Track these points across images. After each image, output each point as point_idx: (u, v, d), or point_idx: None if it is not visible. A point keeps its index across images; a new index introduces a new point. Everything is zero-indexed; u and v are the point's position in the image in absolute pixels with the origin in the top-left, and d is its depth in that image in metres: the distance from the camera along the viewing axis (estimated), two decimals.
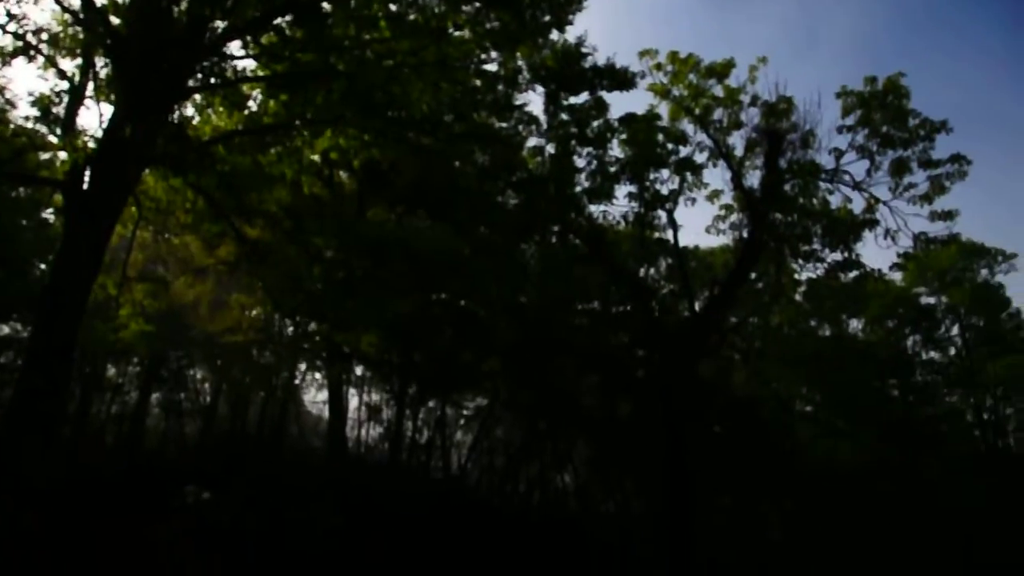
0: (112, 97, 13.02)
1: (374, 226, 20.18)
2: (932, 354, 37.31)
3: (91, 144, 12.11)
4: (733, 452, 28.56)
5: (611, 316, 22.57)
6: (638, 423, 26.92)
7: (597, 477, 30.66)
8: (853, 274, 21.28)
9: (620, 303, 23.08)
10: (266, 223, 17.08)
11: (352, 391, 30.91)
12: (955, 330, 37.26)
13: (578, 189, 20.64)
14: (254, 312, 27.47)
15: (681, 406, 19.06)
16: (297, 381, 32.64)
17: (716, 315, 20.05)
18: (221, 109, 14.76)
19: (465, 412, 32.59)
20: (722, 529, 30.73)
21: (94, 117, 33.29)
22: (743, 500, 31.13)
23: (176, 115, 13.46)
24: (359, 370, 30.04)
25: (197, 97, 14.29)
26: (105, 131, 11.88)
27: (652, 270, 27.92)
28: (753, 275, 21.90)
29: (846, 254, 20.24)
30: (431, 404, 30.57)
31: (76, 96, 14.06)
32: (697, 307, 20.84)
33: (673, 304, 21.96)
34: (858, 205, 20.31)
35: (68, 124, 12.85)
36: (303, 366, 31.71)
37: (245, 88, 14.45)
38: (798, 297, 22.97)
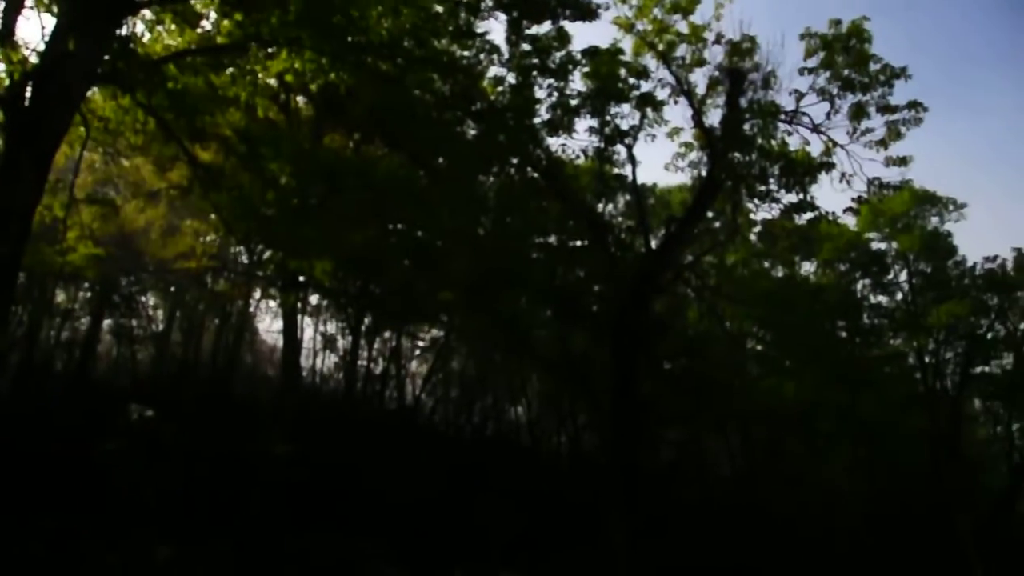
0: (54, 7, 12.48)
1: (330, 153, 19.89)
2: (880, 298, 38.16)
3: (32, 58, 11.64)
4: (683, 388, 29.10)
5: (568, 250, 22.61)
6: (591, 357, 27.26)
7: (550, 410, 31.11)
8: (808, 216, 21.50)
9: (577, 237, 23.12)
10: (219, 147, 16.72)
11: (307, 321, 30.82)
12: (903, 275, 38.06)
13: (538, 121, 20.47)
14: (207, 238, 27.10)
15: (633, 341, 19.26)
16: (252, 309, 32.41)
17: (672, 252, 20.16)
18: (173, 27, 14.29)
19: (420, 343, 32.70)
20: (671, 463, 31.51)
21: (35, 29, 32.10)
22: (692, 435, 31.85)
23: (124, 30, 12.98)
24: (314, 299, 29.91)
25: (147, 12, 13.79)
26: (47, 44, 11.44)
27: (610, 206, 28.02)
28: (710, 214, 22.03)
29: (802, 196, 20.39)
30: (387, 335, 30.61)
31: (14, 5, 13.44)
32: (653, 244, 20.93)
33: (629, 240, 22.05)
34: (816, 148, 20.36)
35: (6, 35, 12.30)
36: (258, 294, 31.47)
37: (198, 5, 14.00)
38: (753, 237, 23.22)
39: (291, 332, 26.16)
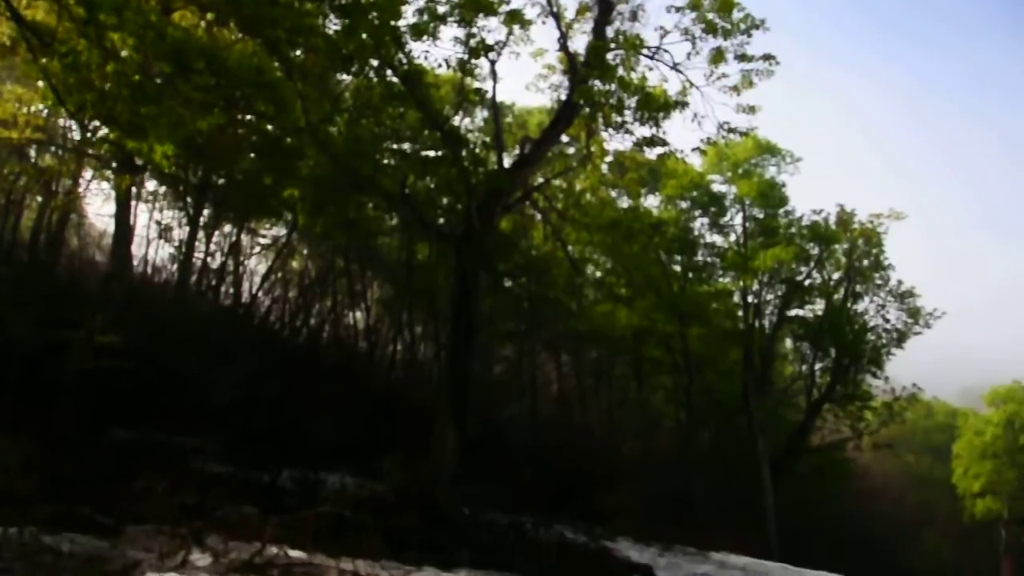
0: None
1: (180, 30, 18.68)
2: (715, 238, 40.16)
3: None
4: (521, 306, 29.79)
5: (420, 159, 22.40)
6: (434, 269, 27.42)
7: (388, 318, 31.14)
8: (658, 151, 22.15)
9: (431, 148, 22.93)
10: (51, 6, 15.36)
11: (142, 207, 29.22)
12: (738, 219, 40.08)
13: (403, 24, 19.93)
14: (34, 107, 25.05)
15: (477, 256, 19.48)
16: (81, 190, 30.41)
17: (523, 172, 20.31)
18: None
19: (261, 240, 31.79)
20: (502, 378, 32.36)
21: None
22: (526, 352, 32.73)
23: None
24: (151, 185, 28.39)
25: None
26: None
27: (467, 120, 27.88)
28: (564, 138, 22.29)
29: (654, 131, 20.95)
30: (226, 229, 29.58)
31: None
32: (506, 162, 21.03)
33: (483, 156, 22.04)
34: (673, 87, 20.87)
35: None
36: (88, 174, 29.50)
37: None
38: (604, 167, 23.68)
39: (123, 217, 24.85)
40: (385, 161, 22.65)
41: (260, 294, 30.24)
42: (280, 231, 30.37)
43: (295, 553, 9.42)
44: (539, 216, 24.69)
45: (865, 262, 39.14)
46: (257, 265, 32.14)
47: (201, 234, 27.88)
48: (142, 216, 29.10)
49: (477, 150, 22.38)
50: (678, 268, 38.58)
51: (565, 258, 27.91)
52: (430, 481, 17.09)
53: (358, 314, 31.54)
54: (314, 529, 10.45)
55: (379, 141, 22.15)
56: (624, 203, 32.34)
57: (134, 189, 26.04)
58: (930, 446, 58.59)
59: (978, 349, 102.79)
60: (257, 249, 31.99)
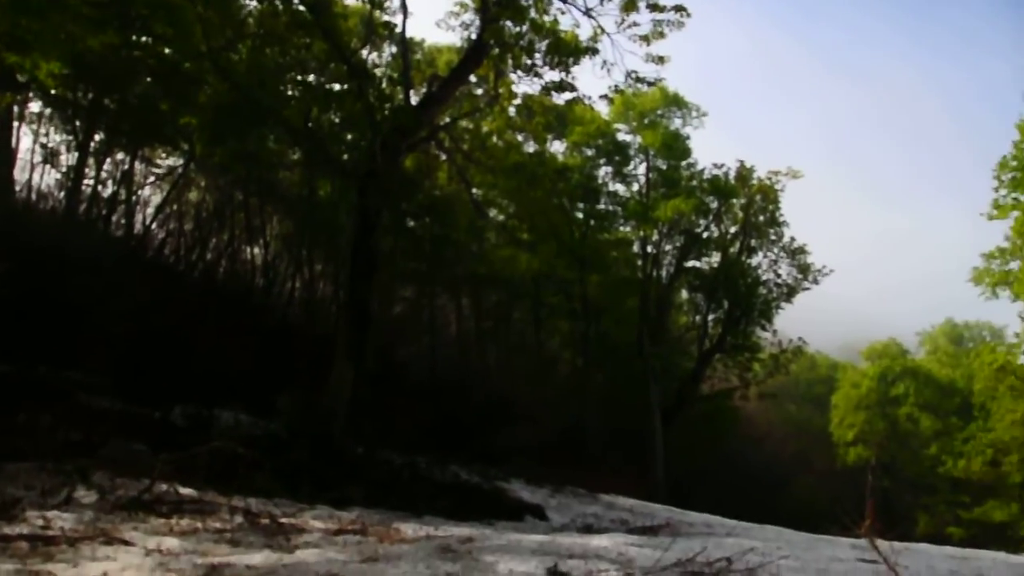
0: None
1: None
2: (618, 186, 40.55)
3: None
4: (423, 247, 29.59)
5: (325, 93, 21.78)
6: (335, 205, 26.89)
7: (288, 254, 30.49)
8: (566, 97, 22.12)
9: (337, 81, 22.30)
10: None
11: (25, 129, 27.50)
12: (642, 169, 40.57)
13: None
14: None
15: (380, 194, 19.16)
16: None
17: (430, 111, 19.96)
18: None
19: (156, 169, 30.45)
20: (401, 319, 32.21)
21: None
22: (426, 293, 32.62)
23: None
24: (36, 106, 26.75)
25: None
26: None
27: (375, 54, 27.18)
28: (473, 79, 21.97)
29: (563, 76, 20.90)
30: (119, 156, 28.19)
31: None
32: (413, 100, 20.64)
33: (390, 92, 21.57)
34: (584, 32, 20.78)
35: None
36: None
37: None
38: (511, 110, 23.51)
39: (5, 140, 23.61)
40: (289, 93, 21.94)
41: (154, 226, 29.08)
42: (176, 160, 29.14)
43: (185, 490, 9.24)
44: (444, 156, 24.40)
45: (761, 218, 40.23)
46: (151, 195, 30.81)
47: (91, 161, 26.51)
48: (25, 139, 27.41)
49: (384, 86, 21.92)
50: (580, 215, 38.90)
51: (469, 200, 27.77)
52: (325, 419, 16.95)
53: (256, 250, 30.69)
54: (206, 466, 10.26)
55: (283, 72, 21.45)
56: (530, 148, 32.30)
57: (16, 109, 24.63)
58: (811, 397, 61.39)
59: (859, 306, 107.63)
60: (151, 179, 30.66)
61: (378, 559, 6.97)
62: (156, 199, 30.21)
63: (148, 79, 22.43)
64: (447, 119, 22.53)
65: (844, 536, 10.37)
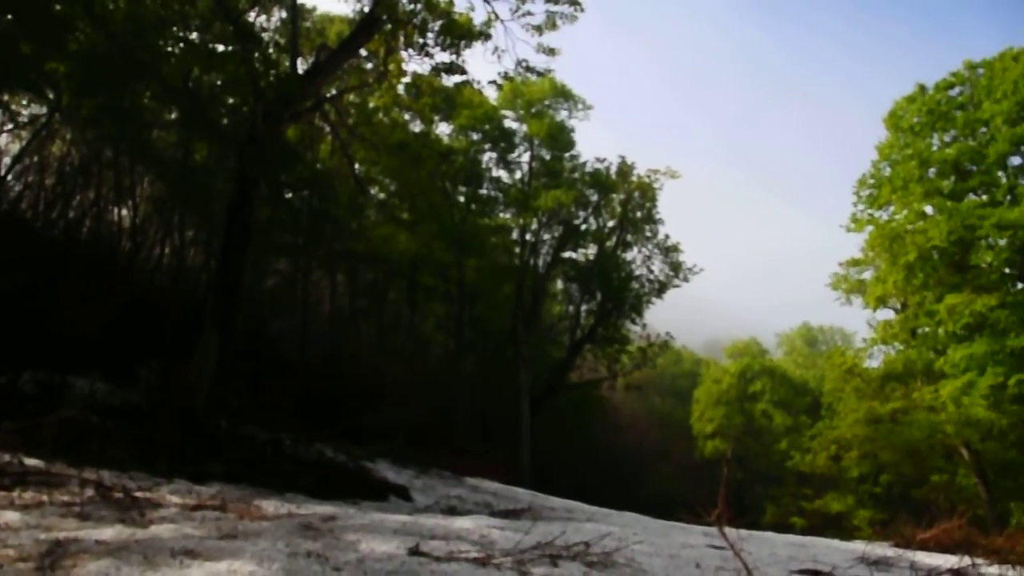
0: None
1: None
2: (501, 173, 40.81)
3: None
4: (301, 220, 28.95)
5: (208, 53, 20.89)
6: (212, 171, 25.96)
7: (158, 218, 29.24)
8: (455, 80, 22.05)
9: (221, 42, 21.45)
10: None
11: None
12: (526, 157, 40.94)
13: None
14: None
15: (259, 162, 18.60)
16: None
17: (316, 82, 19.48)
18: None
19: (17, 118, 28.56)
20: (274, 292, 31.46)
21: None
22: (301, 268, 31.97)
23: None
24: None
25: None
26: None
27: (263, 17, 26.33)
28: (363, 52, 21.58)
29: (454, 58, 20.82)
30: None
31: None
32: (300, 69, 20.13)
33: (276, 58, 20.95)
34: (478, 16, 20.81)
35: None
36: None
37: None
38: (400, 87, 23.24)
39: None
40: (168, 49, 20.96)
41: (10, 177, 27.29)
42: (39, 109, 27.41)
43: (31, 461, 8.78)
44: (328, 129, 23.93)
45: (639, 214, 41.30)
46: (8, 144, 28.89)
47: None
48: None
49: (270, 51, 21.28)
50: (462, 199, 38.94)
51: (350, 176, 27.33)
52: (188, 391, 16.40)
53: (124, 211, 29.23)
54: (55, 436, 9.76)
55: (163, 26, 20.44)
56: (416, 127, 32.05)
57: None
58: (675, 390, 63.52)
59: (726, 306, 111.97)
60: (10, 127, 28.75)
61: (237, 536, 6.82)
62: (14, 149, 28.37)
63: (9, 16, 20.95)
64: (333, 91, 22.09)
65: (697, 524, 10.81)
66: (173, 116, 26.35)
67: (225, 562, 5.64)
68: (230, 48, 20.31)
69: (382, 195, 35.57)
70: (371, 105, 25.26)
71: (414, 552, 6.75)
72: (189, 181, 25.83)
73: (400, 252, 33.17)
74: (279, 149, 22.40)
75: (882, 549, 11.78)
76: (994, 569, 8.37)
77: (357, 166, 28.54)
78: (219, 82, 23.29)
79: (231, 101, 24.42)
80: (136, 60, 18.87)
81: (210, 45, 21.30)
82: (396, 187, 34.46)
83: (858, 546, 13.64)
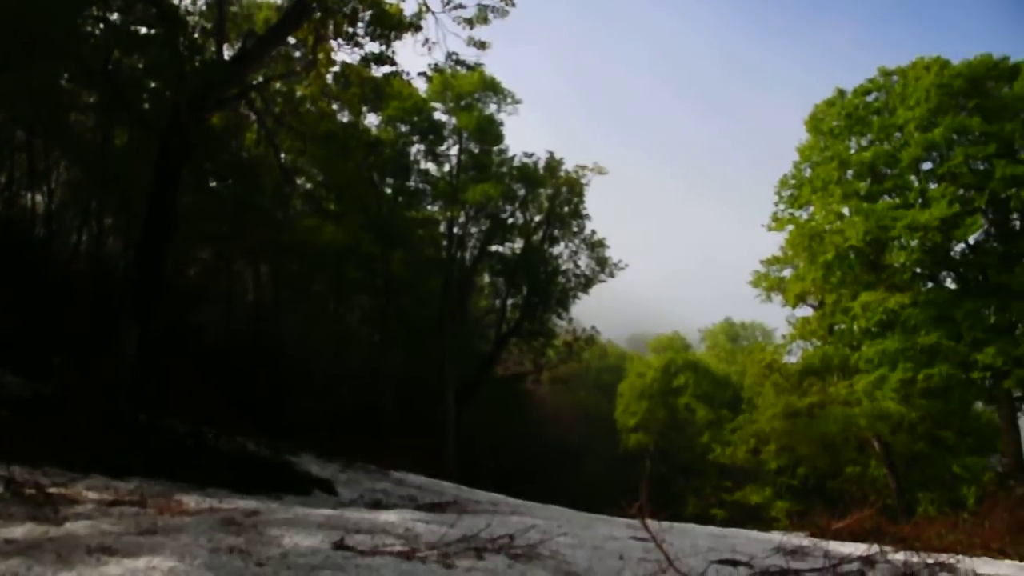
0: None
1: None
2: (429, 165, 40.62)
3: None
4: (225, 209, 28.37)
5: (130, 35, 20.30)
6: (132, 157, 25.21)
7: (75, 205, 28.29)
8: (385, 70, 21.94)
9: (145, 24, 20.86)
10: None
11: None
12: (454, 150, 40.83)
13: None
14: None
15: (182, 150, 18.18)
16: None
17: (243, 68, 19.13)
18: None
19: None
20: (196, 282, 30.78)
21: None
22: (224, 258, 31.34)
23: None
24: None
25: None
26: None
27: (188, 0, 25.68)
28: (292, 40, 21.26)
29: (384, 49, 20.69)
30: None
31: None
32: (226, 55, 19.74)
33: (201, 43, 20.50)
34: (409, 8, 20.64)
35: None
36: None
37: None
38: (329, 77, 22.93)
39: None
40: (88, 29, 20.29)
41: None
42: None
43: None
44: (254, 117, 23.50)
45: (566, 209, 41.62)
46: None
47: None
48: None
49: (195, 36, 20.80)
50: (389, 191, 38.65)
51: (276, 165, 26.92)
52: (106, 383, 15.97)
53: (39, 197, 28.16)
54: None
55: (82, 4, 19.77)
56: (344, 118, 31.71)
57: None
58: (600, 384, 64.07)
59: (651, 301, 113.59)
60: None
61: (156, 531, 6.69)
62: None
63: None
64: (260, 79, 21.70)
65: (621, 516, 10.99)
66: (92, 99, 25.54)
67: (144, 559, 5.53)
68: (153, 31, 19.79)
69: (309, 185, 35.08)
70: (299, 94, 24.94)
71: (339, 546, 6.71)
72: (108, 166, 25.06)
73: (326, 243, 32.74)
74: (203, 136, 21.91)
75: (798, 539, 12.11)
76: (900, 556, 8.69)
77: (283, 156, 28.14)
78: (141, 66, 22.63)
79: (154, 86, 23.78)
80: (50, 39, 18.21)
81: (132, 27, 20.72)
82: (323, 178, 34.06)
83: (775, 536, 14.02)
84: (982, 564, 11.16)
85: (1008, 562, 13.39)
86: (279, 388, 26.94)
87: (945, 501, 33.02)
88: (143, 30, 20.60)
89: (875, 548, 8.90)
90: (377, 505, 13.74)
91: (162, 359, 19.70)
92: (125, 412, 15.49)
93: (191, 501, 9.27)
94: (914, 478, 37.81)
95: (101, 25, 20.19)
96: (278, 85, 23.79)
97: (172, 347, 22.08)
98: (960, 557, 9.50)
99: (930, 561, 8.40)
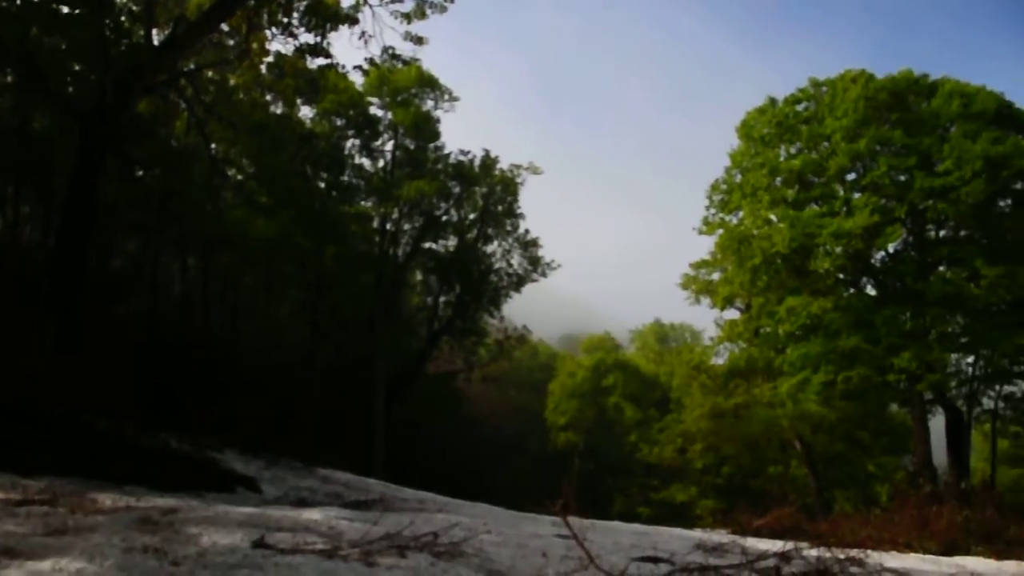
0: None
1: None
2: (364, 160, 40.25)
3: None
4: (152, 199, 27.71)
5: (50, 13, 19.53)
6: (53, 142, 24.42)
7: None
8: (320, 62, 21.61)
9: (66, 3, 20.12)
10: None
11: None
12: (390, 145, 40.54)
13: None
14: None
15: (106, 137, 17.64)
16: None
17: (173, 54, 18.61)
18: None
19: None
20: (120, 273, 30.01)
21: None
22: (150, 249, 30.60)
23: None
24: None
25: None
26: None
27: None
28: (225, 28, 20.80)
29: (320, 40, 20.39)
30: None
31: None
32: (156, 39, 19.21)
33: (129, 26, 19.92)
34: (346, 0, 20.35)
35: None
36: None
37: None
38: (263, 67, 22.50)
39: None
40: (3, 4, 19.51)
41: None
42: None
43: None
44: (184, 105, 22.92)
45: (500, 208, 41.71)
46: None
47: None
48: None
49: (123, 19, 20.21)
50: (323, 185, 38.16)
51: (206, 155, 26.34)
52: (20, 376, 15.41)
53: None
54: None
55: None
56: (278, 109, 31.19)
57: None
58: (531, 383, 64.40)
59: (582, 301, 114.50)
60: None
61: (66, 531, 6.47)
62: None
63: None
64: (191, 66, 21.18)
65: (548, 514, 11.04)
66: (9, 80, 24.61)
67: (50, 560, 5.33)
68: (76, 11, 19.12)
69: (240, 177, 34.37)
70: (231, 83, 24.38)
71: (258, 544, 6.58)
72: (26, 152, 24.22)
73: (257, 236, 32.14)
74: (129, 123, 21.29)
75: (719, 536, 12.36)
76: (814, 552, 8.91)
77: (214, 146, 27.56)
78: (63, 47, 21.86)
79: (77, 68, 23.01)
80: None
81: (53, 5, 19.97)
82: (255, 169, 33.41)
83: (697, 534, 14.28)
84: (890, 558, 11.54)
85: (914, 555, 13.99)
86: (205, 383, 26.36)
87: (860, 499, 34.12)
88: (65, 9, 19.85)
89: (790, 545, 9.12)
90: (302, 503, 13.56)
91: (82, 352, 19.12)
92: (39, 406, 14.97)
93: (106, 500, 8.99)
94: (832, 477, 38.97)
95: (18, 2, 19.38)
96: (210, 73, 23.22)
97: (93, 339, 21.43)
98: (869, 552, 9.80)
99: (841, 556, 8.62)
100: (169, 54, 18.43)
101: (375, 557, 6.67)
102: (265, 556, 6.21)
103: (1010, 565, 13.22)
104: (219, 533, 6.97)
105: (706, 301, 38.93)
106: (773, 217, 30.86)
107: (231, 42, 22.06)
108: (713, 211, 34.04)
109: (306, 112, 37.19)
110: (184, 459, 15.77)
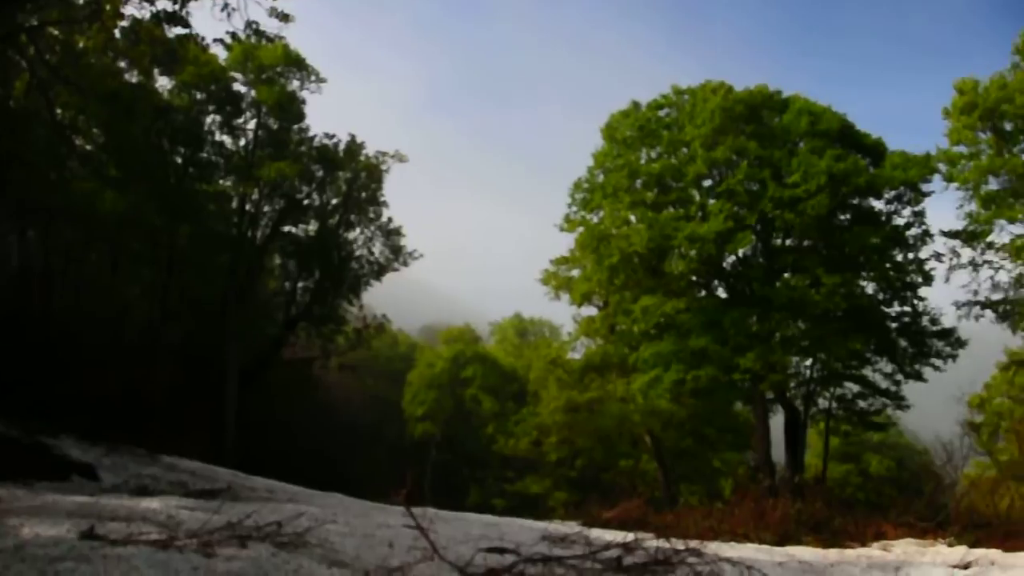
0: None
1: None
2: (225, 137, 38.81)
3: None
4: None
5: None
6: None
7: None
8: (178, 31, 20.72)
9: None
10: None
11: None
12: (252, 124, 39.23)
13: None
14: None
15: None
16: None
17: (10, 8, 17.41)
18: None
19: None
20: None
21: None
22: None
23: None
24: None
25: None
26: None
27: None
28: None
29: (178, 8, 19.53)
30: None
31: None
32: None
33: None
34: None
35: None
36: None
37: None
38: (116, 31, 21.26)
39: None
40: None
41: None
42: None
43: None
44: (25, 65, 21.45)
45: (364, 194, 41.16)
46: None
47: None
48: None
49: None
50: (180, 160, 36.52)
51: (50, 120, 24.73)
52: None
53: None
54: None
55: None
56: (133, 78, 29.62)
57: None
58: (390, 372, 63.97)
59: (443, 292, 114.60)
60: None
61: None
62: None
63: None
64: (33, 21, 19.82)
65: (397, 504, 10.97)
66: None
67: None
68: None
69: (88, 147, 32.44)
70: (80, 45, 22.96)
71: (86, 535, 6.22)
72: None
73: (106, 211, 30.42)
74: None
75: (566, 527, 12.59)
76: (655, 543, 9.19)
77: (59, 111, 25.93)
78: None
79: None
80: None
81: None
82: (105, 140, 31.61)
83: (545, 525, 14.53)
84: (728, 548, 12.06)
85: (751, 545, 14.73)
86: (41, 363, 24.81)
87: (705, 492, 35.60)
88: None
89: (632, 536, 9.39)
90: (143, 491, 12.99)
91: None
92: None
93: None
94: (680, 471, 40.46)
95: None
96: (55, 31, 21.79)
97: None
98: (708, 543, 10.22)
99: (680, 547, 8.92)
100: (7, 7, 17.20)
101: (214, 548, 6.41)
102: (93, 548, 5.86)
103: (832, 553, 14.09)
104: (43, 524, 6.56)
105: (565, 297, 39.54)
106: (632, 218, 31.61)
107: (81, 1, 20.80)
108: (575, 209, 34.63)
109: (164, 83, 35.48)
110: (11, 445, 14.79)
